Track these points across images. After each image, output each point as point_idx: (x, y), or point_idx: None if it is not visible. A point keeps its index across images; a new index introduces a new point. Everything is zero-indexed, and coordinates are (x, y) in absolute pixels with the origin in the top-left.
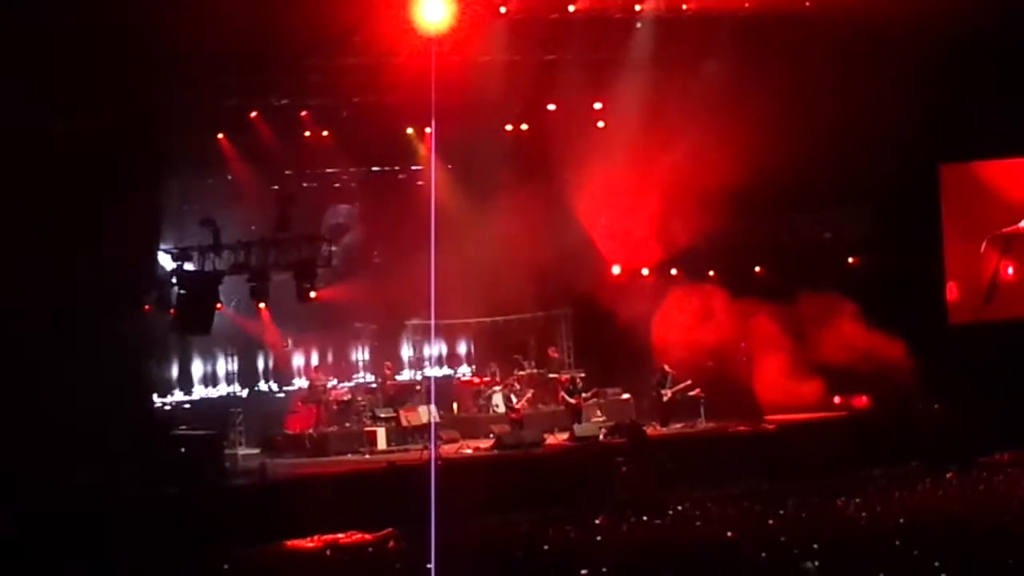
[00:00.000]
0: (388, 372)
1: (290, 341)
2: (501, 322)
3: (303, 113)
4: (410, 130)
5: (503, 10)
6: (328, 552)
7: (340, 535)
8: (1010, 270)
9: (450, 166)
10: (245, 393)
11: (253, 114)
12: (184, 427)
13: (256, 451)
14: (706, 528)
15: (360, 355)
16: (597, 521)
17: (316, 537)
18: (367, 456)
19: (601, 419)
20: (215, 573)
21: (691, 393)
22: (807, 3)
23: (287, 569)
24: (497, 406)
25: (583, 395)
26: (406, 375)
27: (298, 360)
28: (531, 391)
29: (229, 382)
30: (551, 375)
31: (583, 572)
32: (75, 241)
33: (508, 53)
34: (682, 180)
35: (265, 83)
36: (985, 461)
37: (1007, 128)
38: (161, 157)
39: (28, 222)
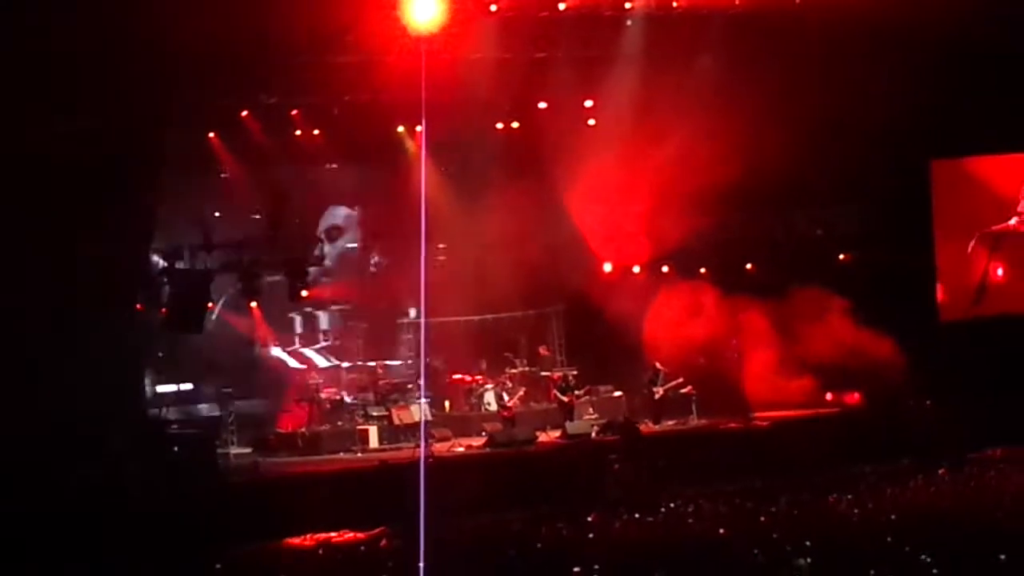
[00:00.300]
0: (380, 370)
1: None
2: (492, 320)
3: (294, 112)
4: (401, 128)
5: (494, 8)
6: (320, 551)
7: (332, 534)
8: (999, 271)
9: (442, 165)
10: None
11: (244, 113)
12: (177, 427)
13: (248, 450)
14: (698, 525)
15: (352, 353)
16: (589, 519)
17: (309, 536)
18: (359, 455)
19: (593, 417)
20: (208, 572)
21: (683, 390)
22: (797, 0)
23: (280, 568)
24: (489, 404)
25: (576, 393)
26: (398, 373)
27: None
28: (523, 389)
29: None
30: (543, 373)
31: (575, 570)
32: (68, 240)
33: (499, 51)
34: (673, 177)
35: (256, 82)
36: (976, 457)
37: (998, 124)
38: (152, 156)
39: (20, 222)
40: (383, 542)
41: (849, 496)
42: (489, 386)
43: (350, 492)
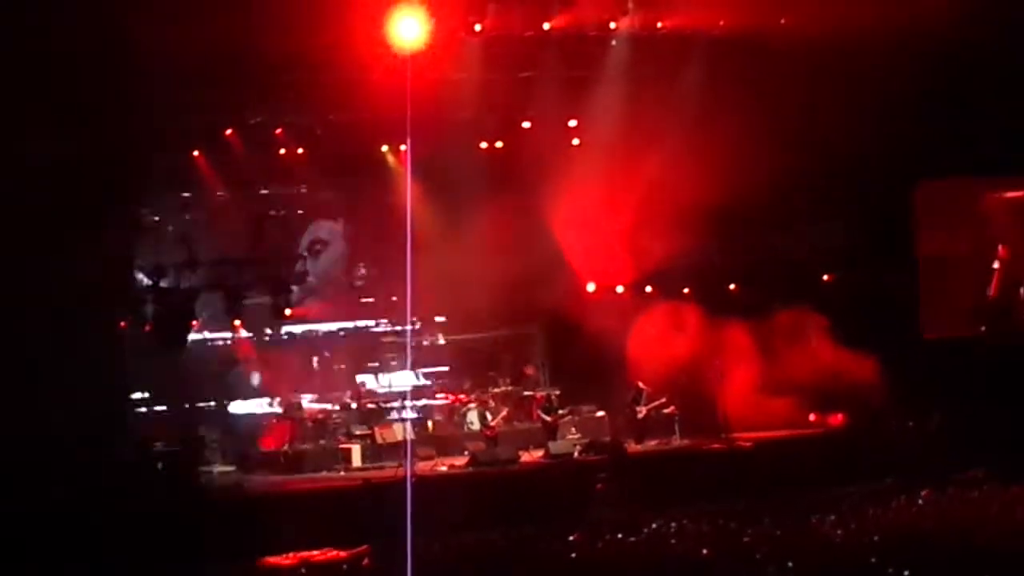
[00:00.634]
0: (363, 389)
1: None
2: (476, 339)
3: (278, 131)
4: (385, 148)
5: (478, 28)
6: (303, 570)
7: (315, 552)
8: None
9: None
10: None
11: (228, 131)
12: (159, 444)
13: (231, 468)
14: (681, 546)
15: (335, 372)
16: (572, 538)
17: (291, 554)
18: (342, 473)
19: (576, 436)
20: None
21: (666, 410)
22: (782, 21)
23: None
24: (472, 423)
25: (559, 412)
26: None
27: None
28: (506, 408)
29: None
30: (526, 393)
31: None
32: (51, 258)
33: (483, 70)
34: (657, 197)
35: (240, 101)
36: (959, 478)
37: (982, 146)
38: (136, 174)
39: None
40: (365, 561)
41: (832, 517)
42: (472, 405)
43: (333, 511)
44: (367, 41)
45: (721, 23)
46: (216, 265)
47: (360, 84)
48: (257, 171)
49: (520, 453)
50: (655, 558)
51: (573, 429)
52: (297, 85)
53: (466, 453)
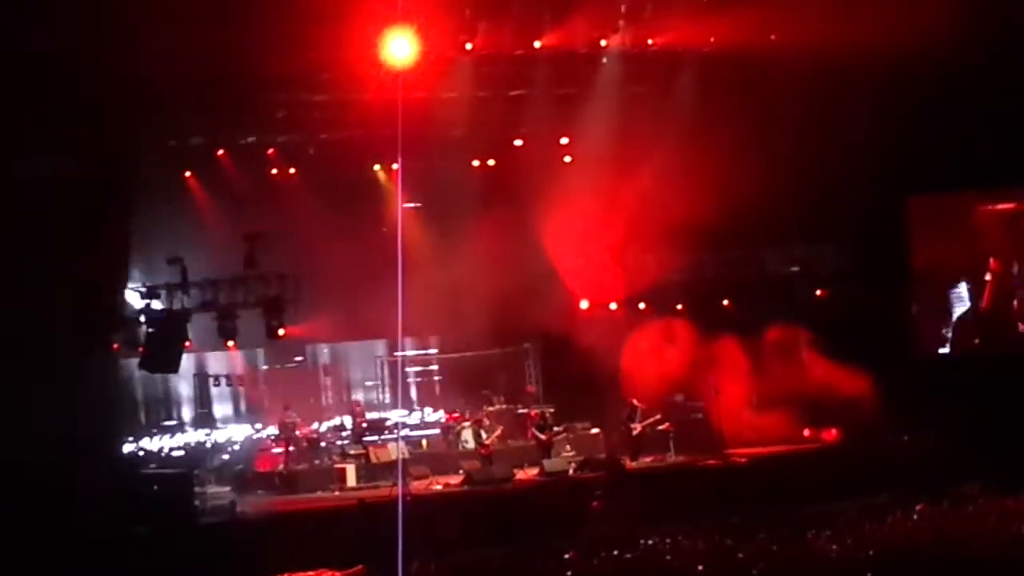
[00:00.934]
0: (358, 409)
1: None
2: (470, 358)
3: (270, 151)
4: (377, 167)
5: (469, 46)
6: None
7: (310, 573)
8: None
9: (418, 203)
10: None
11: (220, 152)
12: (154, 465)
13: (227, 489)
14: (677, 562)
15: (330, 392)
16: (568, 556)
17: (286, 574)
18: (337, 493)
19: (571, 454)
20: None
21: (660, 427)
22: (772, 37)
23: None
24: (467, 442)
25: (553, 430)
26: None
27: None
28: (500, 427)
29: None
30: (520, 411)
31: None
32: (43, 280)
33: (474, 89)
34: (649, 214)
35: (232, 121)
36: (955, 493)
37: (973, 162)
38: (129, 196)
39: None
40: None
41: (828, 532)
42: (467, 424)
43: (328, 531)
44: (359, 61)
45: (712, 40)
46: (209, 285)
47: (352, 104)
48: (250, 191)
49: (515, 471)
50: (650, 574)
51: (568, 447)
52: (289, 105)
53: (461, 472)
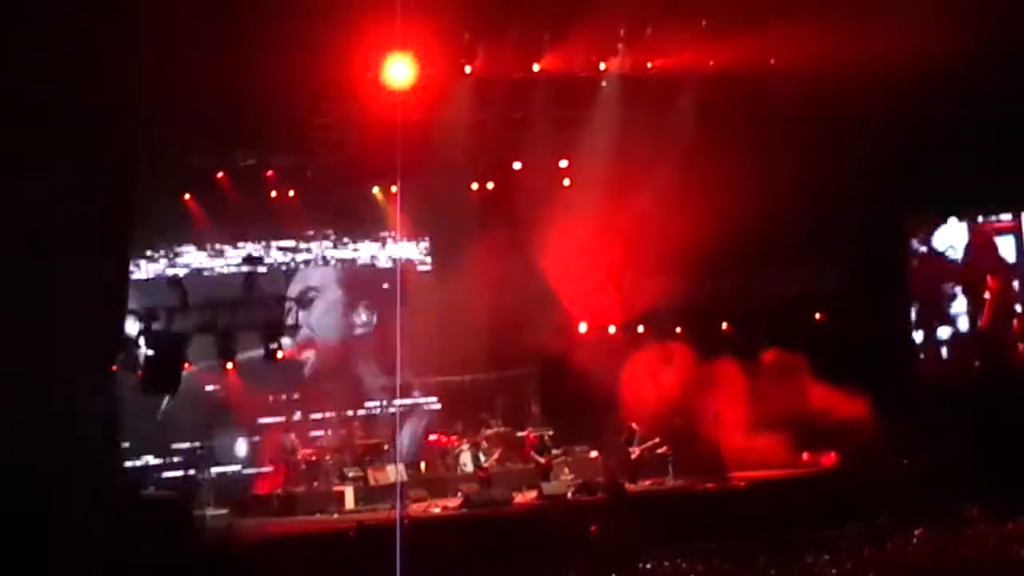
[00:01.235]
0: (357, 430)
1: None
2: (468, 380)
3: (269, 172)
4: (376, 189)
5: (468, 69)
6: None
7: None
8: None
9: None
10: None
11: (219, 174)
12: (152, 488)
13: (224, 511)
14: None
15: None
16: None
17: None
18: (335, 516)
19: (569, 477)
20: None
21: (659, 451)
22: (771, 61)
23: None
24: (465, 465)
25: (552, 453)
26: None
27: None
28: (499, 450)
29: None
30: (519, 433)
31: None
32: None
33: (473, 112)
34: (649, 238)
35: (231, 143)
36: (954, 516)
37: (975, 186)
38: (127, 217)
39: None
40: None
41: (827, 556)
42: (465, 447)
43: (326, 553)
44: (358, 84)
45: (711, 63)
46: (208, 308)
47: (351, 126)
48: (249, 213)
49: (513, 494)
50: None
51: (567, 470)
52: (288, 127)
53: (459, 494)
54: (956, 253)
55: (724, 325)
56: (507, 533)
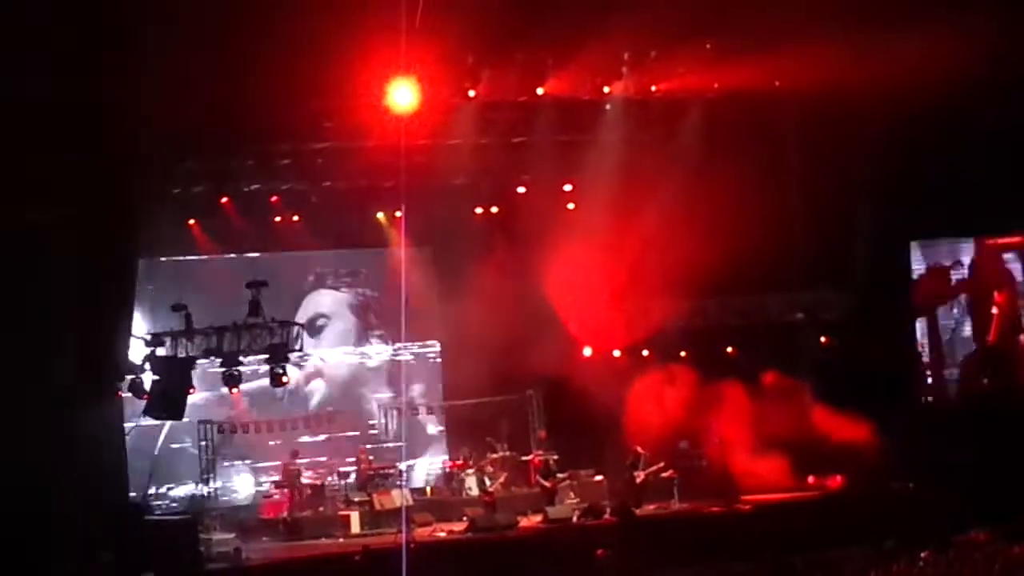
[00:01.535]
0: (363, 455)
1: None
2: (473, 405)
3: (273, 198)
4: (380, 214)
5: (472, 93)
6: None
7: None
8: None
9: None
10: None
11: (224, 200)
12: (159, 512)
13: (231, 535)
14: None
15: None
16: None
17: None
18: (341, 540)
19: (575, 501)
20: None
21: (664, 474)
22: (776, 84)
23: None
24: (470, 489)
25: (557, 477)
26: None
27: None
28: (504, 474)
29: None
30: (524, 457)
31: None
32: (47, 329)
33: (477, 135)
34: (653, 261)
35: (235, 168)
36: (961, 540)
37: (977, 207)
38: (132, 243)
39: None
40: None
41: None
42: (470, 471)
43: None
44: (362, 109)
45: (715, 87)
46: (213, 333)
47: (355, 151)
48: (253, 238)
49: (519, 518)
50: None
51: (572, 494)
52: (292, 152)
53: (465, 519)
54: (962, 270)
55: (729, 348)
56: (512, 557)
